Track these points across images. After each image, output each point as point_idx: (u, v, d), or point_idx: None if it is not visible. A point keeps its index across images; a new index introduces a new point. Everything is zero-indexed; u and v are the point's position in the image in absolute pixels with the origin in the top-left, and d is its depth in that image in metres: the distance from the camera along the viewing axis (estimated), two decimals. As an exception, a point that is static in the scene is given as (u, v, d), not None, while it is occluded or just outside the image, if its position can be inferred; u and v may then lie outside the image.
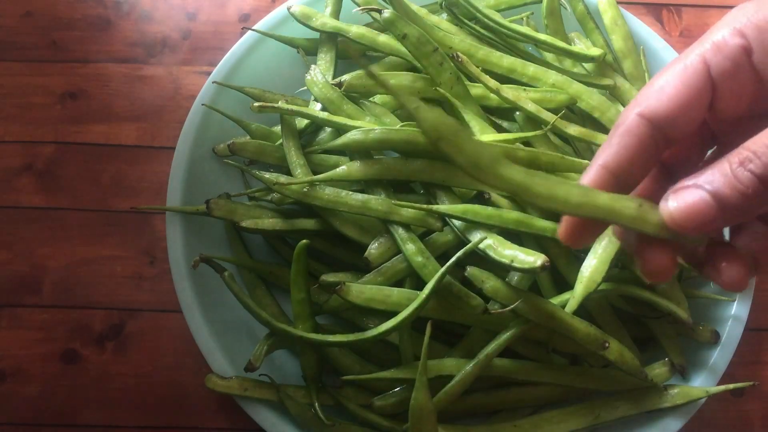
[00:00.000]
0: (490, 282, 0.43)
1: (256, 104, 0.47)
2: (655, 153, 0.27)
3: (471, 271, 0.43)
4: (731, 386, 0.45)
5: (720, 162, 0.26)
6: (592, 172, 0.28)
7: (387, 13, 0.46)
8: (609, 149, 0.27)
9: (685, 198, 0.26)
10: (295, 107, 0.47)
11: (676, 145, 0.28)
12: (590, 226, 0.29)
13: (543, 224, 0.43)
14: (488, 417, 0.47)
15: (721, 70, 0.27)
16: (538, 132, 0.47)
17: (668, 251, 0.28)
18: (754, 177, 0.25)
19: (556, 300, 0.44)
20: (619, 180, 0.27)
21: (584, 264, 0.42)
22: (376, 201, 0.45)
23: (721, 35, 0.27)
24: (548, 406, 0.46)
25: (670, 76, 0.27)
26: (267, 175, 0.47)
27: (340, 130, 0.47)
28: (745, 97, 0.27)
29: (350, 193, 0.45)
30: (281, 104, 0.47)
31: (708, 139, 0.30)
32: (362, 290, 0.43)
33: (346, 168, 0.45)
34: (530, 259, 0.40)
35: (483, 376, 0.44)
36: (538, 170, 0.26)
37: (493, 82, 0.47)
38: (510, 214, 0.43)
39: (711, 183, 0.25)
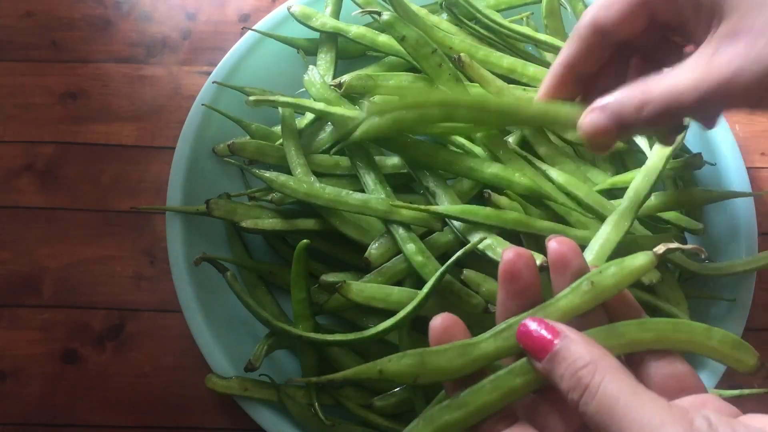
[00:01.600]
0: (486, 285, 0.43)
1: (252, 98, 0.47)
2: (602, 53, 0.36)
3: (468, 274, 0.43)
4: (741, 392, 0.45)
5: (625, 90, 0.33)
6: (556, 69, 0.37)
7: (386, 15, 0.46)
8: (567, 51, 0.36)
9: (593, 119, 0.34)
10: (290, 99, 0.47)
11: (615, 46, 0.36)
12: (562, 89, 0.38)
13: (542, 224, 0.43)
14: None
15: None
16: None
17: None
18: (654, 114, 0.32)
19: (556, 300, 0.44)
20: (576, 74, 0.37)
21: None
22: (376, 201, 0.45)
23: None
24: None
25: None
26: (267, 173, 0.47)
27: (337, 124, 0.47)
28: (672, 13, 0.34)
29: (350, 192, 0.45)
30: (277, 97, 0.47)
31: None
32: (363, 288, 0.43)
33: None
34: (530, 259, 0.40)
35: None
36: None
37: (497, 83, 0.47)
38: (509, 215, 0.43)
39: (611, 107, 0.33)
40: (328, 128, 0.50)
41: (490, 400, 0.27)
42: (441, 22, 0.52)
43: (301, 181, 0.46)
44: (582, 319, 0.30)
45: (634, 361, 0.29)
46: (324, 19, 0.51)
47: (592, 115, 0.34)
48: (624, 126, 0.33)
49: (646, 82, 0.32)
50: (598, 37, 0.35)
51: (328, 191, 0.45)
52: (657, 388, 0.28)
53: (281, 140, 0.49)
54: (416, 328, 0.45)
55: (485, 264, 0.43)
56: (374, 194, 0.46)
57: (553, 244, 0.30)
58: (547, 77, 0.37)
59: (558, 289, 0.31)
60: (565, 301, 0.29)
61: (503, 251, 0.30)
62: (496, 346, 0.28)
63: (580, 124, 0.34)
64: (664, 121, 0.32)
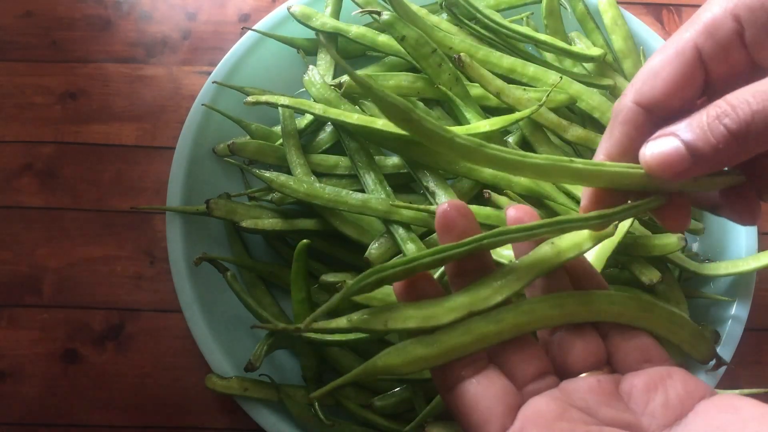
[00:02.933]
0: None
1: (250, 98, 0.47)
2: (650, 134, 0.28)
3: None
4: (741, 391, 0.45)
5: (699, 112, 0.26)
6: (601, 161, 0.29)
7: (386, 15, 0.46)
8: (611, 139, 0.29)
9: (660, 146, 0.27)
10: (288, 100, 0.47)
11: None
12: (606, 197, 0.30)
13: (543, 224, 0.43)
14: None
15: (713, 55, 0.27)
16: (531, 111, 0.47)
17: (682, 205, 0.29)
18: (727, 132, 0.25)
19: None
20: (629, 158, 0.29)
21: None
22: (376, 201, 0.45)
23: (712, 15, 0.27)
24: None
25: (663, 61, 0.28)
26: (267, 173, 0.47)
27: (336, 125, 0.47)
28: (738, 76, 0.28)
29: (350, 192, 0.45)
30: (276, 98, 0.47)
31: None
32: (362, 289, 0.43)
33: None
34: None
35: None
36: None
37: (497, 83, 0.47)
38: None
39: (686, 133, 0.26)
40: (328, 128, 0.50)
41: (461, 342, 0.28)
42: (441, 22, 0.52)
43: (301, 181, 0.46)
44: (549, 284, 0.30)
45: (600, 333, 0.30)
46: (324, 19, 0.51)
47: (655, 142, 0.27)
48: (699, 153, 0.26)
49: (720, 98, 0.26)
50: (646, 117, 0.28)
51: (328, 191, 0.45)
52: (621, 359, 0.29)
53: (281, 140, 0.49)
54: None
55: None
56: (374, 194, 0.46)
57: (511, 211, 0.31)
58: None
59: (518, 251, 0.32)
60: (531, 259, 0.30)
61: (439, 205, 0.30)
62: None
63: (641, 156, 0.28)
64: (751, 141, 0.25)
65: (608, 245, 0.42)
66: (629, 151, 0.29)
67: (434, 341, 0.28)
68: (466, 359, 0.28)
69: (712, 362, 0.34)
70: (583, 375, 0.28)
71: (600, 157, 0.30)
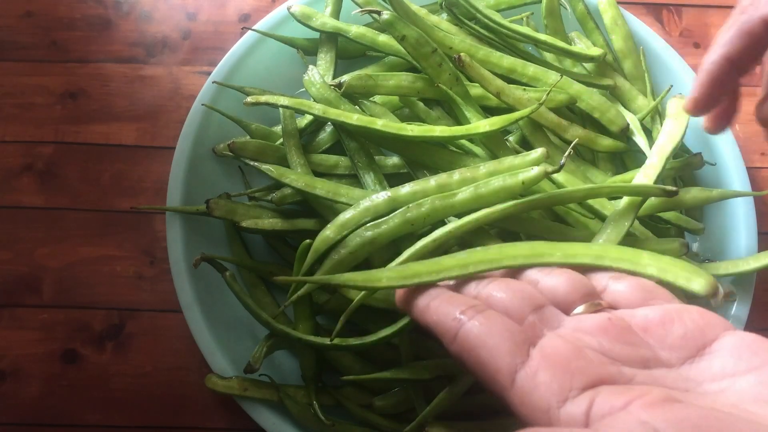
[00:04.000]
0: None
1: (250, 98, 0.47)
2: (762, 52, 0.33)
3: None
4: None
5: None
6: (716, 62, 0.34)
7: (386, 14, 0.46)
8: (731, 45, 0.33)
9: None
10: (288, 100, 0.47)
11: None
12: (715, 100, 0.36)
13: (542, 225, 0.43)
14: (489, 417, 0.47)
15: None
16: (531, 111, 0.47)
17: None
18: None
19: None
20: (737, 68, 0.34)
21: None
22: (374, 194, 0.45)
23: None
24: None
25: None
26: (265, 165, 0.47)
27: (336, 125, 0.47)
28: None
29: (350, 187, 0.45)
30: (276, 98, 0.47)
31: None
32: (362, 290, 0.43)
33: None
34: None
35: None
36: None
37: (497, 83, 0.47)
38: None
39: None
40: (328, 128, 0.50)
41: (427, 270, 0.32)
42: (441, 22, 0.52)
43: (300, 175, 0.46)
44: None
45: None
46: (324, 19, 0.51)
47: None
48: None
49: None
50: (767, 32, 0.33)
51: (326, 184, 0.45)
52: (623, 301, 0.28)
53: (281, 140, 0.49)
54: (417, 328, 0.45)
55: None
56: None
57: None
58: (704, 73, 0.35)
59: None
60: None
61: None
62: None
63: (759, 110, 0.34)
64: None
65: (613, 241, 0.42)
66: (744, 56, 0.33)
67: (405, 269, 0.31)
68: (463, 304, 0.27)
69: (719, 296, 0.31)
70: (580, 309, 0.27)
71: (716, 57, 0.34)
